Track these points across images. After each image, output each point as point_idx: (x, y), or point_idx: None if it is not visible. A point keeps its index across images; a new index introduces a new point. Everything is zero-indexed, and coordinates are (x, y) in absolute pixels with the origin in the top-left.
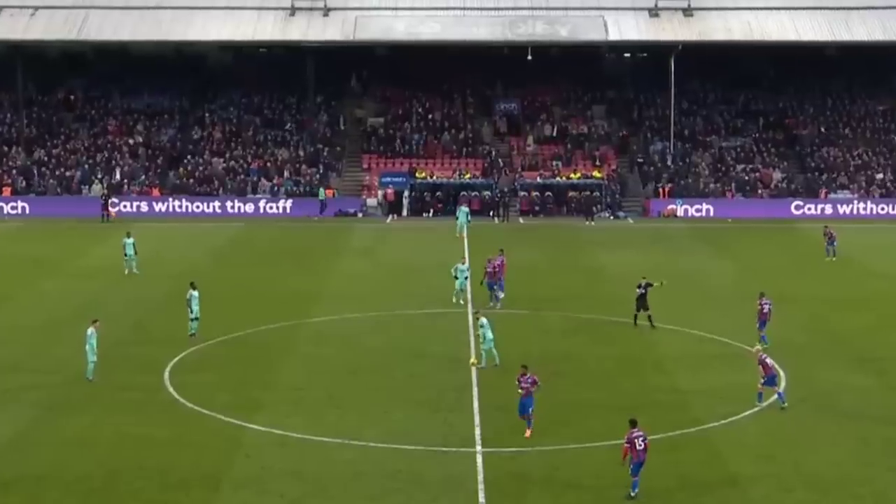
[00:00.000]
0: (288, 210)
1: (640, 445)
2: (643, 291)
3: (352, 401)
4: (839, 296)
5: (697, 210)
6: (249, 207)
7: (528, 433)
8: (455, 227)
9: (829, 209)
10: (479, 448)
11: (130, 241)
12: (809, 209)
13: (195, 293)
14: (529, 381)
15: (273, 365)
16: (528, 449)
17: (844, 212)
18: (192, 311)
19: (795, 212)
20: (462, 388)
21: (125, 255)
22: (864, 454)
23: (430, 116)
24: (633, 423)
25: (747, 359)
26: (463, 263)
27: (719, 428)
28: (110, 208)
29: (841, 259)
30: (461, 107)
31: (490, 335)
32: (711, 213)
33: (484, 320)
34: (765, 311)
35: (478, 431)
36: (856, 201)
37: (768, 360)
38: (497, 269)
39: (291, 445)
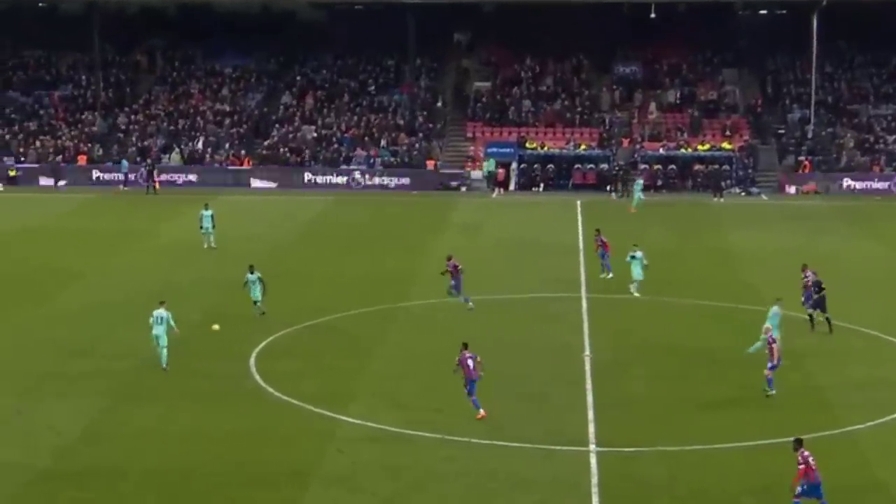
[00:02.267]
0: (386, 183)
1: (814, 464)
2: (817, 290)
3: (451, 393)
4: None
5: (841, 186)
6: (342, 179)
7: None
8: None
9: None
10: (592, 448)
11: (209, 213)
12: None
13: (252, 276)
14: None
15: (366, 353)
16: (648, 449)
17: None
18: (253, 295)
19: None
20: (574, 382)
21: (202, 227)
22: None
23: (541, 81)
24: (800, 443)
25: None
26: (636, 250)
27: (865, 430)
28: (155, 179)
29: None
30: (575, 71)
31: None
32: (856, 190)
33: (775, 308)
34: (809, 283)
35: (591, 429)
36: None
37: (775, 346)
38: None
39: (385, 440)
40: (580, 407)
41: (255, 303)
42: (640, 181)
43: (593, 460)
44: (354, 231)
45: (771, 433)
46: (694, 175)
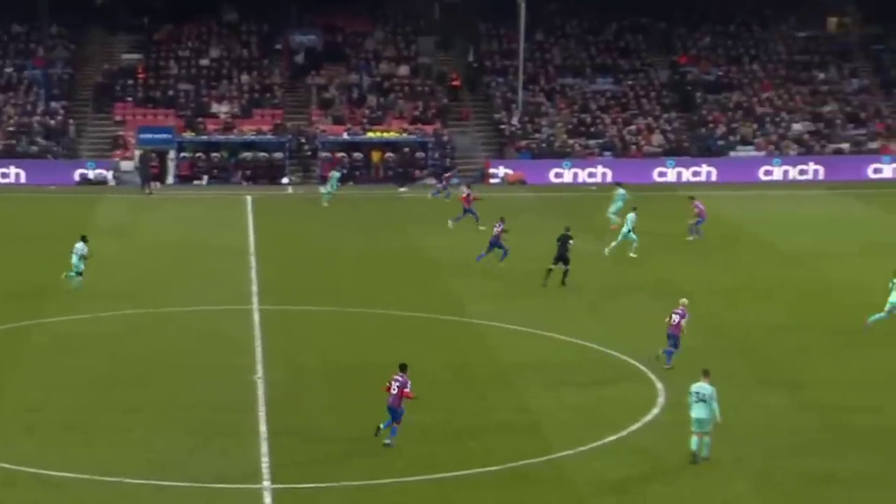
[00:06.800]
0: (22, 178)
1: None
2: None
3: (102, 425)
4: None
5: (558, 175)
6: None
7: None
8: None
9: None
10: (266, 484)
11: None
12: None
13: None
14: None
15: None
16: (331, 485)
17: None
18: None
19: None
20: (245, 409)
21: None
22: (763, 490)
23: (204, 54)
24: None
25: (611, 370)
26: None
27: (575, 457)
28: None
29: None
30: (244, 42)
31: None
32: (575, 179)
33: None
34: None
35: (265, 462)
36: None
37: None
38: None
39: (22, 483)
40: (252, 438)
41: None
42: (337, 173)
43: (268, 499)
44: None
45: (468, 463)
46: (385, 164)
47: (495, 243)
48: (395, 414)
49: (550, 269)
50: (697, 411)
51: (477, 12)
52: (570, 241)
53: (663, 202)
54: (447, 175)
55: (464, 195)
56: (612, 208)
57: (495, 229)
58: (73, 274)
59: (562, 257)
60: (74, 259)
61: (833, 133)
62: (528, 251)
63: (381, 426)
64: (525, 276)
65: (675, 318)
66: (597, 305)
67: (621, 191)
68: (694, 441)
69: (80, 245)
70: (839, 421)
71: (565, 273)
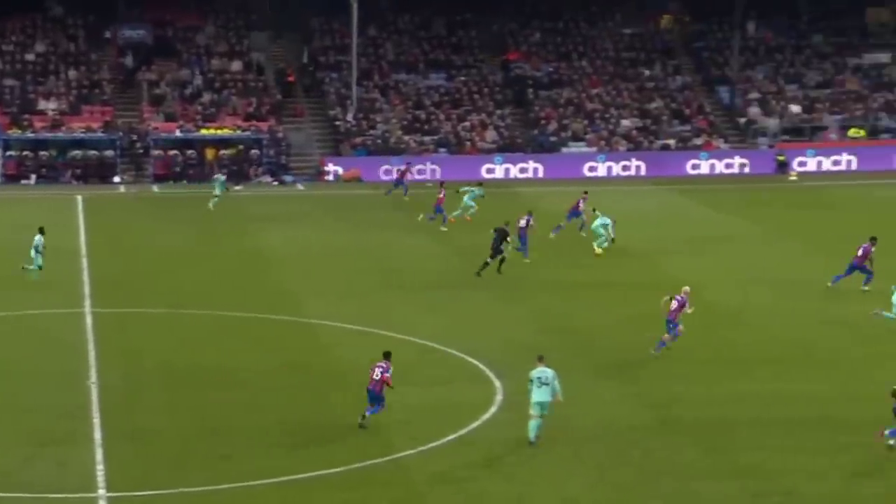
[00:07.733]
0: None
1: None
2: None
3: None
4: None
5: (386, 173)
6: None
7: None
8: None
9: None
10: (101, 493)
11: None
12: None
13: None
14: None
15: None
16: (168, 492)
17: None
18: None
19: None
20: (80, 414)
21: None
22: (600, 486)
23: (29, 48)
24: None
25: (450, 369)
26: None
27: (416, 456)
28: None
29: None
30: (69, 35)
31: None
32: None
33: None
34: (859, 254)
35: (100, 470)
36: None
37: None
38: None
39: None
40: (87, 445)
41: None
42: (222, 176)
43: None
44: None
45: (310, 466)
46: (218, 161)
47: (523, 238)
48: (373, 397)
49: (487, 263)
50: (540, 395)
51: (309, 7)
52: (508, 239)
53: (497, 199)
54: (402, 169)
55: (440, 194)
56: (466, 197)
57: (520, 224)
58: (31, 267)
59: (497, 251)
60: (33, 252)
61: (660, 129)
62: (365, 249)
63: (367, 413)
64: (363, 275)
65: (675, 304)
66: (435, 304)
67: (472, 191)
68: (533, 425)
69: (38, 238)
70: (672, 414)
71: (501, 260)
